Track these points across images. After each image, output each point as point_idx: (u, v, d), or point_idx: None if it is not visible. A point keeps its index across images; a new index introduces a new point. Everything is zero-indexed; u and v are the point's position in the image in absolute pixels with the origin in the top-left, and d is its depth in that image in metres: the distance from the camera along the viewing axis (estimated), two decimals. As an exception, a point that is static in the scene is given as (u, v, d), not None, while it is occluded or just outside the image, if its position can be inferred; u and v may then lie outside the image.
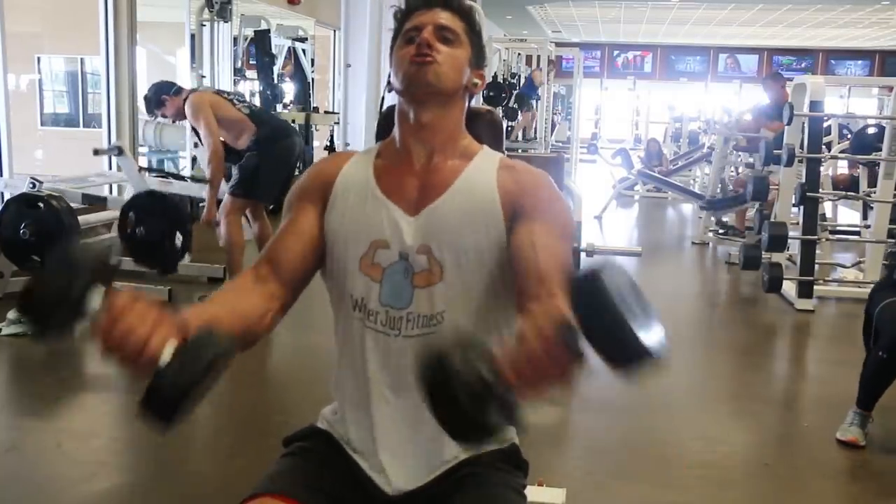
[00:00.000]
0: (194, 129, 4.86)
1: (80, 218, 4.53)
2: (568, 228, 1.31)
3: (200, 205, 5.13)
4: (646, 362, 0.86)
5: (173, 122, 4.92)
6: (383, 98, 1.48)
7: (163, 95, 4.69)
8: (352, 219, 1.29)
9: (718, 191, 7.65)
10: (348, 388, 1.32)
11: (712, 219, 7.64)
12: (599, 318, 0.85)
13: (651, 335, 0.87)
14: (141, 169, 5.38)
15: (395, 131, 1.33)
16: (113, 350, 0.92)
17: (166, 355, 0.90)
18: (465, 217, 1.26)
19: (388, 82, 1.33)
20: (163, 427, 0.90)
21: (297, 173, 4.79)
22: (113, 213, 4.98)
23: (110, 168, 5.85)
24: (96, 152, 5.27)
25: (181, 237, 4.56)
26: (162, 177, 5.37)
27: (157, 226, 4.48)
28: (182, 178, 5.18)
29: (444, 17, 1.29)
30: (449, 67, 1.27)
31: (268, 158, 4.57)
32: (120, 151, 4.97)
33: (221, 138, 4.57)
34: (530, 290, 1.16)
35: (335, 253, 1.30)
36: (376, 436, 1.27)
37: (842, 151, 7.07)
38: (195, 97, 4.61)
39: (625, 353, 0.86)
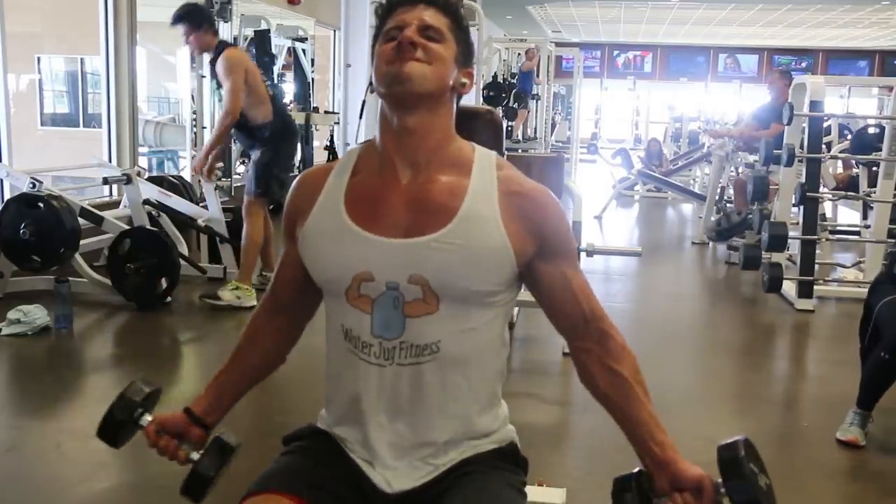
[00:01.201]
0: (213, 78, 4.65)
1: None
2: (576, 250, 1.38)
3: (199, 221, 5.13)
4: None
5: (192, 51, 4.66)
6: (364, 101, 1.44)
7: (205, 23, 4.48)
8: (327, 255, 1.24)
9: (716, 209, 7.61)
10: (341, 411, 1.31)
11: (712, 218, 7.62)
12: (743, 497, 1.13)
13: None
14: (141, 172, 5.37)
15: (377, 137, 1.26)
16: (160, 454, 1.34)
17: (193, 454, 1.33)
18: (472, 261, 1.19)
19: (370, 83, 1.26)
20: (197, 499, 1.31)
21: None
22: (115, 215, 4.98)
23: (110, 160, 5.84)
24: (105, 181, 5.26)
25: (166, 281, 4.56)
26: (159, 184, 5.32)
27: (145, 263, 4.48)
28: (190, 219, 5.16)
29: (429, 15, 1.23)
30: (433, 68, 1.20)
31: (280, 154, 4.58)
32: (128, 180, 4.94)
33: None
34: (579, 329, 1.29)
35: (321, 286, 1.29)
36: (372, 454, 1.27)
37: (842, 151, 7.07)
38: (235, 53, 4.47)
39: None
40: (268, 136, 4.54)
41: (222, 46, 4.52)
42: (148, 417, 1.35)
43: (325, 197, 1.27)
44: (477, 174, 1.24)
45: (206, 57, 4.63)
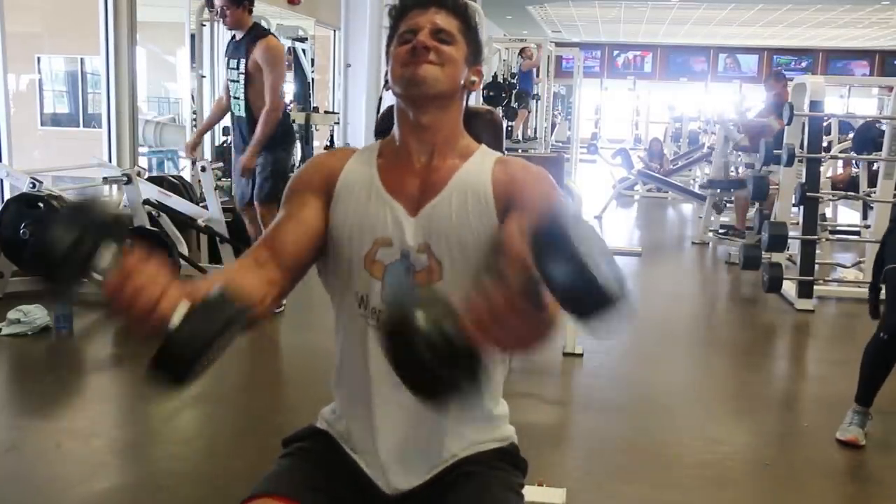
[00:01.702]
0: (236, 66, 4.42)
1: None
2: None
3: (199, 221, 5.12)
4: (610, 308, 0.84)
5: (227, 27, 4.52)
6: (381, 98, 1.49)
7: (245, 1, 4.35)
8: (356, 215, 1.29)
9: (716, 209, 7.66)
10: (349, 386, 1.32)
11: (712, 217, 7.65)
12: (560, 266, 0.83)
13: (613, 282, 0.84)
14: (141, 172, 5.37)
15: (395, 130, 1.34)
16: (122, 309, 0.91)
17: (177, 317, 0.89)
18: (462, 214, 1.26)
19: (386, 80, 1.32)
20: (173, 387, 0.90)
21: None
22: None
23: (110, 160, 5.83)
24: (105, 181, 5.25)
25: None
26: (159, 184, 5.32)
27: None
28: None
29: (440, 18, 1.29)
30: (446, 70, 1.27)
31: (287, 158, 4.57)
32: (128, 180, 4.93)
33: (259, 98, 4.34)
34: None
35: (339, 249, 1.30)
36: (376, 434, 1.28)
37: (843, 151, 7.07)
38: (279, 44, 4.38)
39: (587, 300, 0.84)
40: (278, 135, 4.43)
41: (257, 30, 4.41)
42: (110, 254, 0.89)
43: (355, 163, 1.33)
44: (477, 155, 1.33)
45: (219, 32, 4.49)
